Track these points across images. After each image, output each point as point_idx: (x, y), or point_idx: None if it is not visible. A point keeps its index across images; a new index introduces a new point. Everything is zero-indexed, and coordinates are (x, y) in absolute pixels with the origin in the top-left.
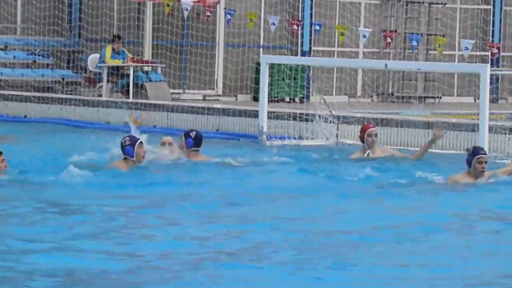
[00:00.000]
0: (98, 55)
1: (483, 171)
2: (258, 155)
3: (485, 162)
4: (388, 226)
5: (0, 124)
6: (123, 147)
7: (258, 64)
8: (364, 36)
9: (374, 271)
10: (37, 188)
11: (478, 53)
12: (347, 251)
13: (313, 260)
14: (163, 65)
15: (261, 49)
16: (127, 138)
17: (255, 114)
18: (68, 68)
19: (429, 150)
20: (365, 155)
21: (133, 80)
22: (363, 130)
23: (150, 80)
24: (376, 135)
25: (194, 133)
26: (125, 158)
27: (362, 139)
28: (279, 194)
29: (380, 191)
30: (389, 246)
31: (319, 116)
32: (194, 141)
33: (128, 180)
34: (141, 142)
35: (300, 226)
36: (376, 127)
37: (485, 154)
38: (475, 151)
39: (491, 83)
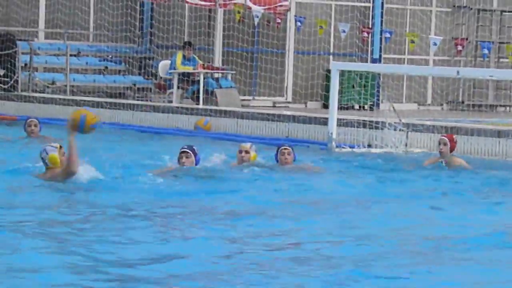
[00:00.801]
0: (169, 62)
1: None
2: (328, 162)
3: None
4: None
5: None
6: None
7: (328, 71)
8: (435, 44)
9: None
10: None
11: None
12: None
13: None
14: (233, 72)
15: (331, 57)
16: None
17: (324, 122)
18: (139, 74)
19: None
20: (440, 161)
21: (204, 86)
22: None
23: (220, 87)
24: (445, 144)
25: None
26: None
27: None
28: (356, 201)
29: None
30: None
31: (389, 124)
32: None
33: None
34: (182, 152)
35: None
36: (452, 135)
37: None
38: None
39: None
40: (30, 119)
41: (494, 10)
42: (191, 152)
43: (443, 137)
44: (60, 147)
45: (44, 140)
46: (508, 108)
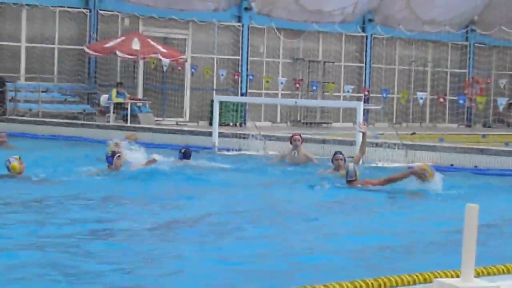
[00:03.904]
0: (107, 95)
1: (339, 165)
2: (211, 162)
3: (340, 159)
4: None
5: (41, 140)
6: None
7: (212, 101)
8: (282, 83)
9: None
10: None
11: (356, 94)
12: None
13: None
14: (150, 101)
15: (214, 92)
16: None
17: (210, 134)
18: (87, 103)
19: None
20: (292, 153)
21: (130, 111)
22: (291, 136)
23: (141, 112)
24: (299, 140)
25: (184, 149)
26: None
27: (290, 142)
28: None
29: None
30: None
31: (252, 136)
32: (184, 155)
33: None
34: (119, 156)
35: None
36: (300, 134)
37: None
38: (334, 153)
39: (364, 114)
40: (1, 133)
41: (320, 61)
42: None
43: (297, 136)
44: (19, 157)
45: (9, 147)
46: (328, 124)
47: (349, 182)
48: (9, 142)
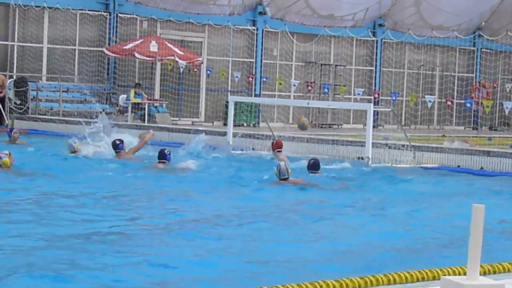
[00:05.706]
0: (125, 95)
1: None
2: (226, 160)
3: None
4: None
5: (61, 138)
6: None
7: (227, 102)
8: (294, 85)
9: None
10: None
11: (366, 97)
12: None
13: None
14: (167, 102)
15: (229, 93)
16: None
17: (224, 134)
18: (106, 103)
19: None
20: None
21: (148, 111)
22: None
23: (158, 112)
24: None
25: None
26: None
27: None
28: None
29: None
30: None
31: (265, 136)
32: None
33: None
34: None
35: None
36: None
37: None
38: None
39: (374, 115)
40: (14, 129)
41: (331, 64)
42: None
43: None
44: (9, 153)
45: (21, 143)
46: (339, 125)
47: (283, 180)
48: (21, 138)
